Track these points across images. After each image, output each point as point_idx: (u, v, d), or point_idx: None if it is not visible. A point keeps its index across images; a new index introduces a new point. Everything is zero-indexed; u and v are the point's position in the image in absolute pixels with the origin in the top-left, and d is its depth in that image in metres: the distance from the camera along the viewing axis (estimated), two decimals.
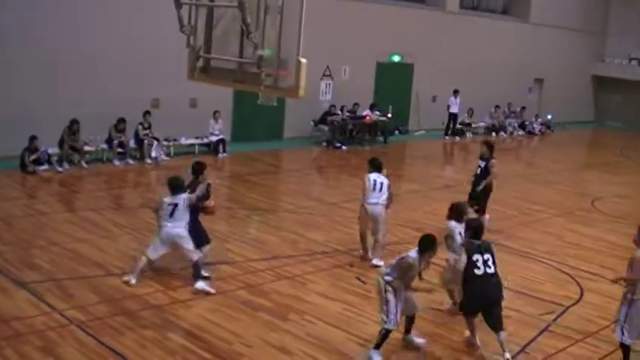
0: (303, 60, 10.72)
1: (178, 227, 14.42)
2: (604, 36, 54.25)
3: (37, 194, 21.37)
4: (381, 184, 17.21)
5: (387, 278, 12.24)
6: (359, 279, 15.90)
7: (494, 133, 41.92)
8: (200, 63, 12.59)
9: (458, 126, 40.14)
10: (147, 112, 27.06)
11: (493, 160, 19.94)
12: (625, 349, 12.32)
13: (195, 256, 14.50)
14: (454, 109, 39.17)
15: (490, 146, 20.17)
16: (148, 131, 26.90)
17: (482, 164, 19.94)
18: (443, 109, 39.19)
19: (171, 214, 14.41)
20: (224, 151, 29.08)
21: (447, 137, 39.35)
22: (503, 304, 12.72)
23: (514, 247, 19.65)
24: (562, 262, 18.52)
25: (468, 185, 20.97)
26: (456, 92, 38.72)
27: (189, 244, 14.51)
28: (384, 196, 17.29)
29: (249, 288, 14.98)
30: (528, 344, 13.31)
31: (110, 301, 13.71)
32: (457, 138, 38.82)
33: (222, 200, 22.96)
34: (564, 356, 13.05)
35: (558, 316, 14.84)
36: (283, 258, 16.91)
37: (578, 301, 15.86)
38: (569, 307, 15.43)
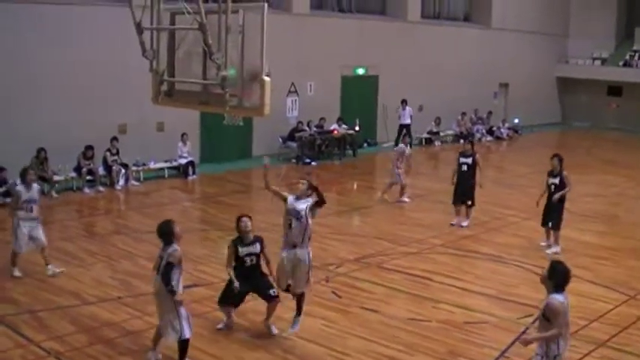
0: (267, 78, 10.75)
1: None
2: (566, 37, 54.57)
3: (7, 226, 21.14)
4: None
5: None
6: (335, 293, 15.90)
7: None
8: (164, 87, 12.58)
9: (426, 135, 40.22)
10: (114, 138, 26.95)
11: (478, 155, 22.33)
12: None
13: None
14: (404, 120, 38.48)
15: (472, 144, 22.89)
16: (116, 157, 26.80)
17: (469, 160, 22.06)
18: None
19: None
20: (194, 173, 29.02)
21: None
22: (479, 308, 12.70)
23: (487, 252, 19.75)
24: (536, 264, 18.57)
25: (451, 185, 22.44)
26: (404, 102, 38.37)
27: None
28: None
29: None
30: (507, 349, 13.34)
31: (87, 331, 13.64)
32: (410, 149, 37.95)
33: (195, 222, 22.96)
34: None
35: (536, 319, 14.85)
36: None
37: None
38: None
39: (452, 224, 22.39)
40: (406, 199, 25.58)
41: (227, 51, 11.03)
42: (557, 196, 19.69)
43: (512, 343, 13.56)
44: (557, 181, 19.86)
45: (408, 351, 13.12)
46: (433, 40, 42.02)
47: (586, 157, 36.93)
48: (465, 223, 22.28)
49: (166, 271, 11.82)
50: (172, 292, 11.81)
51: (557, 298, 10.07)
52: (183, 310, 11.95)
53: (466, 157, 22.27)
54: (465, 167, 22.13)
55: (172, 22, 12.43)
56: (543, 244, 20.33)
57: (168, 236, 12.09)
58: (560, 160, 19.97)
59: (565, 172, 19.88)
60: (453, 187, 22.40)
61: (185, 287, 14.91)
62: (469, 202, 22.27)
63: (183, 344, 12.04)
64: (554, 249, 19.83)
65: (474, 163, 22.12)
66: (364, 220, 23.50)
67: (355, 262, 18.23)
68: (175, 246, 12.00)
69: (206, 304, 15.08)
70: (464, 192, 22.16)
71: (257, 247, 14.05)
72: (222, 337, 13.53)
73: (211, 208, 24.52)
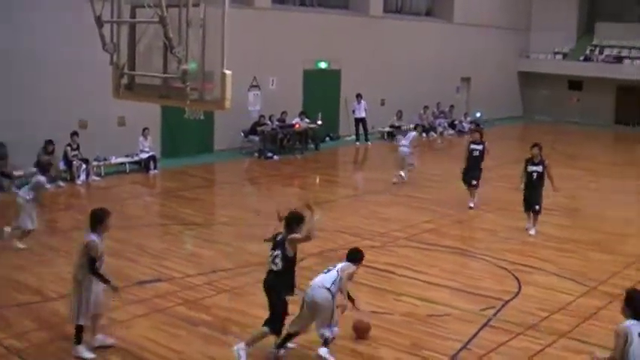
0: (228, 72, 10.68)
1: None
2: (528, 32, 54.95)
3: None
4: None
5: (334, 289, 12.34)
6: (298, 287, 15.86)
7: (424, 134, 42.11)
8: (125, 80, 12.48)
9: (388, 129, 40.33)
10: (75, 133, 26.74)
11: (487, 143, 24.80)
12: None
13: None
14: (359, 114, 38.45)
15: (481, 132, 25.42)
16: (76, 152, 26.61)
17: (480, 147, 24.44)
18: (371, 114, 38.94)
19: None
20: (155, 167, 28.83)
21: (357, 143, 38.44)
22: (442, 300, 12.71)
23: (451, 245, 19.82)
24: (499, 257, 18.70)
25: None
26: (359, 96, 38.26)
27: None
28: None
29: (188, 304, 14.88)
30: (470, 340, 13.41)
31: (49, 327, 13.52)
32: (369, 143, 38.24)
33: (156, 217, 22.89)
34: (506, 350, 13.17)
35: (498, 311, 14.99)
36: (221, 271, 16.81)
37: (516, 295, 16.02)
38: (508, 301, 15.59)
39: (470, 206, 24.33)
40: (403, 175, 28.00)
41: (188, 45, 10.97)
42: (554, 187, 21.39)
43: (475, 335, 13.64)
44: (539, 168, 21.14)
45: (371, 344, 13.12)
46: (395, 34, 42.12)
47: (548, 151, 36.93)
48: (471, 204, 24.29)
49: (92, 266, 12.20)
50: (106, 282, 12.32)
51: (624, 322, 9.60)
52: (84, 298, 12.20)
53: (477, 144, 24.53)
54: (476, 153, 24.36)
55: (133, 15, 12.32)
56: (528, 226, 21.41)
57: (95, 223, 12.46)
58: (540, 149, 21.36)
59: (547, 161, 21.29)
60: (463, 171, 24.46)
61: (147, 282, 14.92)
62: (474, 182, 24.30)
63: (77, 329, 12.35)
64: (532, 231, 21.16)
65: (484, 150, 24.42)
66: (327, 214, 23.39)
67: (318, 256, 18.19)
68: (94, 236, 12.32)
69: (169, 299, 15.04)
70: (473, 175, 24.24)
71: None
72: (185, 333, 13.46)
73: (172, 203, 24.38)
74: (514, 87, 54.85)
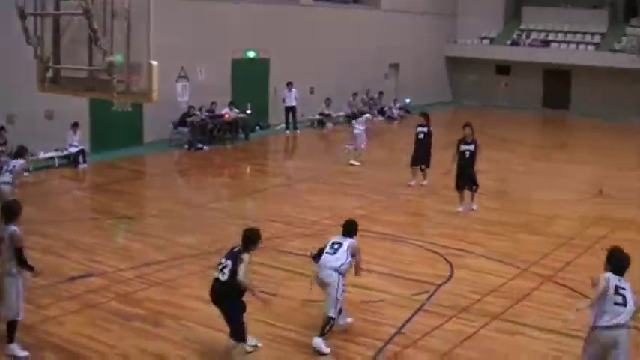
0: (155, 63, 10.59)
1: None
2: (455, 17, 55.31)
3: None
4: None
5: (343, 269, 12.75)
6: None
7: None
8: (50, 73, 12.31)
9: (317, 117, 40.35)
10: (2, 128, 26.30)
11: (431, 127, 25.43)
12: None
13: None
14: (290, 102, 38.21)
15: (427, 117, 25.69)
16: (3, 147, 26.18)
17: (425, 130, 25.26)
18: (300, 102, 38.86)
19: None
20: (84, 161, 28.45)
21: (287, 132, 38.22)
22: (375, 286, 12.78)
23: (382, 231, 19.88)
24: (431, 241, 18.83)
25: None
26: (289, 84, 38.03)
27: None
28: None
29: (120, 298, 14.76)
30: (404, 325, 13.52)
31: None
32: (298, 131, 38.07)
33: (86, 211, 22.65)
34: (440, 333, 13.29)
35: (431, 295, 15.11)
36: (153, 264, 16.70)
37: (449, 279, 16.16)
38: (440, 284, 15.73)
39: (409, 185, 25.10)
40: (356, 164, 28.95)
41: (113, 36, 10.85)
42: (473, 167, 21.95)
43: (409, 320, 13.74)
44: (472, 147, 21.88)
45: (306, 332, 13.11)
46: (323, 22, 42.05)
47: (479, 135, 37.22)
48: (424, 182, 25.20)
49: (21, 256, 12.11)
50: (32, 269, 12.33)
51: (604, 273, 10.46)
52: (21, 290, 12.28)
53: (423, 127, 25.35)
54: (421, 136, 25.25)
55: (57, 8, 12.16)
56: (460, 209, 21.81)
57: (13, 216, 12.35)
58: (472, 128, 22.08)
59: (478, 141, 22.04)
60: (412, 153, 25.24)
61: (79, 278, 14.80)
62: (423, 166, 25.23)
63: (11, 326, 12.26)
64: (474, 207, 21.99)
65: (429, 133, 25.22)
66: (258, 203, 23.48)
67: None
68: (14, 227, 12.18)
69: (101, 294, 14.91)
70: (422, 157, 25.12)
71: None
72: (118, 327, 13.36)
73: (102, 197, 24.16)
74: (442, 72, 55.18)
